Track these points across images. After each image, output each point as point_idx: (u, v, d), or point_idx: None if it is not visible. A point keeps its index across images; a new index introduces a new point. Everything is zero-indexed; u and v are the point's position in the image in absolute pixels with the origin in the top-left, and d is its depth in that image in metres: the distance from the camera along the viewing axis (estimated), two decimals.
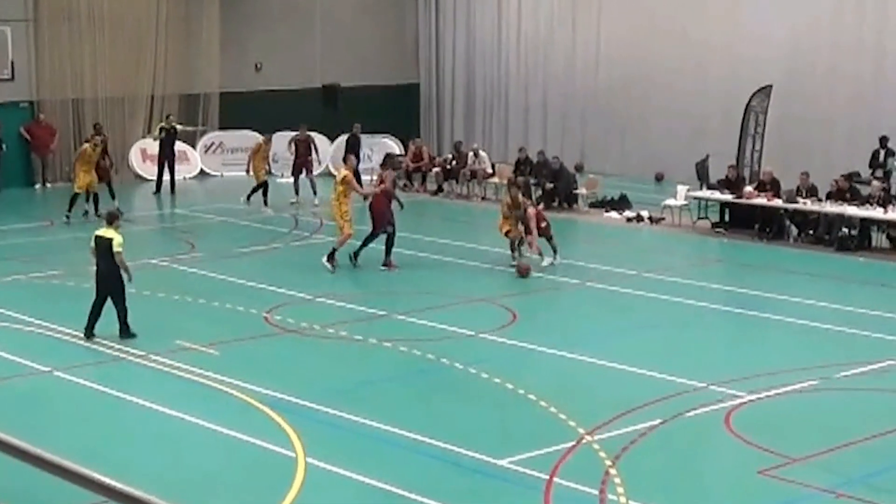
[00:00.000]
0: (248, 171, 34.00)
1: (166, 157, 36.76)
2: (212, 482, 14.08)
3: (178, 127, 37.21)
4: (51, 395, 17.51)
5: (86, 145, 31.73)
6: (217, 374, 17.91)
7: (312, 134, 35.48)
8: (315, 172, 35.39)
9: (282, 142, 37.01)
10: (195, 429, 15.73)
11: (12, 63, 35.06)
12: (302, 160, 34.58)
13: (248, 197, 33.54)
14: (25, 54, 36.98)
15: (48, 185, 37.51)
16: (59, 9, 37.84)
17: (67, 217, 30.83)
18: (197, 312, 22.06)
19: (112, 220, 20.15)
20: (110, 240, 19.71)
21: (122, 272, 19.82)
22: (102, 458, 13.00)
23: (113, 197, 32.21)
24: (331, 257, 25.35)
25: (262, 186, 33.28)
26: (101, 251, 19.86)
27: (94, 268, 20.11)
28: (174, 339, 19.87)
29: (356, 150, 34.28)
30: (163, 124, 36.97)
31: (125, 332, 19.92)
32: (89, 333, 19.91)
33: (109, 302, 19.83)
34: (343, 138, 37.92)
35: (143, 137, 39.53)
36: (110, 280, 19.84)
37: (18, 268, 25.60)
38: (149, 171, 39.12)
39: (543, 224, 26.08)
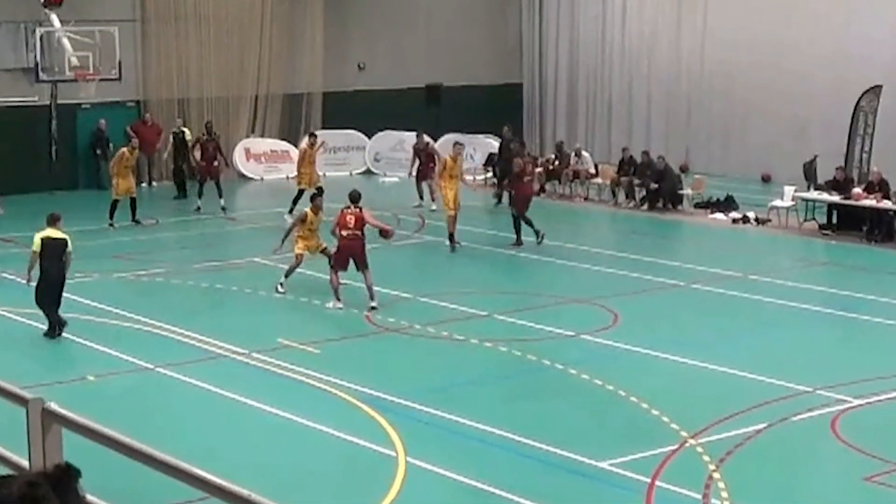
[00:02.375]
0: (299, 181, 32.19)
1: (176, 163, 36.39)
2: (312, 480, 14.11)
3: (187, 131, 36.54)
4: (153, 391, 17.68)
5: (124, 149, 31.47)
6: (318, 372, 17.96)
7: (431, 142, 34.92)
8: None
9: (385, 142, 37.08)
10: (296, 426, 15.78)
11: (119, 63, 35.46)
12: (424, 168, 33.93)
13: (291, 208, 31.61)
14: (132, 54, 37.41)
15: (154, 183, 37.95)
16: (165, 9, 38.28)
17: (111, 225, 30.65)
18: (299, 311, 22.14)
19: (54, 220, 20.20)
20: (65, 241, 19.82)
21: (67, 270, 19.96)
22: (202, 454, 13.05)
23: (220, 195, 32.45)
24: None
25: (300, 194, 31.50)
26: (55, 252, 19.86)
27: (39, 271, 20.08)
28: (276, 338, 19.96)
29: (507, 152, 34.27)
30: (174, 130, 36.58)
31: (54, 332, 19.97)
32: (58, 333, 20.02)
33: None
34: (446, 138, 37.91)
35: (247, 137, 39.85)
36: (60, 280, 19.95)
37: (123, 266, 25.90)
38: (253, 170, 39.46)
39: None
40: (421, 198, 33.50)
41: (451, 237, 27.71)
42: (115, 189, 30.83)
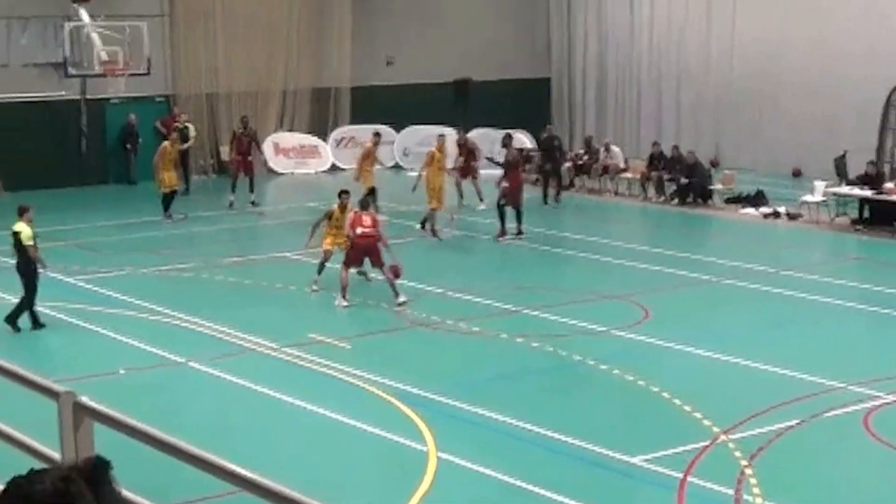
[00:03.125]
0: (357, 179, 31.13)
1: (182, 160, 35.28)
2: (343, 474, 14.09)
3: (190, 127, 36.10)
4: (184, 385, 17.70)
5: (165, 143, 31.54)
6: (349, 367, 17.94)
7: (472, 136, 34.58)
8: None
9: (414, 136, 37.01)
10: (327, 421, 15.76)
11: (149, 58, 35.56)
12: (465, 166, 33.48)
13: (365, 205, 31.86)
14: (161, 49, 37.51)
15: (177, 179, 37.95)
16: (194, 4, 38.36)
17: (169, 217, 30.76)
18: (329, 306, 22.12)
19: (22, 212, 20.29)
20: (19, 233, 19.93)
21: (38, 263, 19.98)
22: (233, 448, 13.04)
23: (252, 190, 32.42)
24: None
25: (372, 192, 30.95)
26: (15, 245, 20.07)
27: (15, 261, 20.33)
28: (307, 332, 19.96)
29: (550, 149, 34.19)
30: (177, 124, 35.81)
31: (13, 321, 19.98)
32: (37, 326, 20.11)
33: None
34: (474, 133, 37.89)
35: (276, 132, 39.89)
36: (23, 272, 20.00)
37: (154, 260, 25.95)
38: (282, 164, 39.51)
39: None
40: (461, 196, 32.56)
41: (428, 227, 28.26)
42: (161, 183, 30.83)
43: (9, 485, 3.71)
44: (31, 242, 19.78)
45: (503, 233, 27.95)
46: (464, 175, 32.65)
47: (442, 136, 30.51)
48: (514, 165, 28.83)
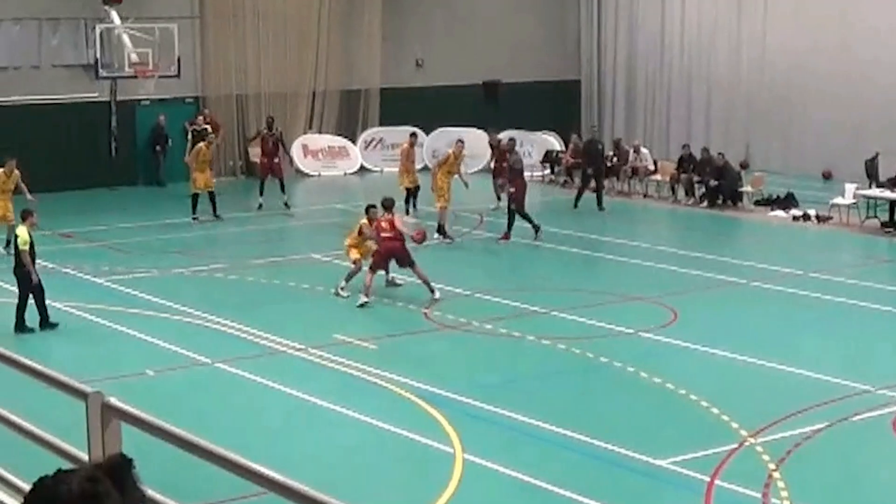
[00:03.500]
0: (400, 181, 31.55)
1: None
2: (369, 476, 14.10)
3: (207, 128, 35.18)
4: (211, 386, 17.74)
5: (201, 144, 31.54)
6: (375, 368, 17.96)
7: (502, 137, 34.38)
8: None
9: (443, 138, 36.97)
10: (353, 422, 15.78)
11: (178, 59, 35.67)
12: (498, 166, 33.25)
13: (412, 206, 31.58)
14: (191, 51, 37.63)
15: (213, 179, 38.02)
16: (224, 6, 38.46)
17: (195, 219, 30.78)
18: (355, 307, 22.13)
19: (25, 216, 20.38)
20: (17, 237, 20.05)
21: (28, 270, 19.99)
22: (260, 448, 13.09)
23: (283, 192, 32.40)
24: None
25: (414, 192, 31.52)
26: (15, 249, 20.19)
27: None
28: (333, 333, 19.98)
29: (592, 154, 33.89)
30: (194, 127, 35.39)
31: (20, 327, 19.97)
32: (19, 326, 20.07)
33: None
34: (503, 134, 37.85)
35: (305, 133, 39.96)
36: (18, 275, 20.06)
37: (182, 261, 26.03)
38: (311, 166, 39.57)
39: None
40: (499, 199, 31.98)
41: (440, 229, 28.21)
42: (193, 183, 30.94)
43: (35, 485, 3.73)
44: (25, 248, 19.82)
45: (507, 236, 28.01)
46: (496, 175, 32.48)
47: (461, 141, 30.44)
48: (519, 171, 28.69)
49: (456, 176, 29.45)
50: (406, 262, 22.49)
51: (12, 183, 25.30)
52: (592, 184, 33.27)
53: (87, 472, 3.73)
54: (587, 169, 33.74)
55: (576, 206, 32.78)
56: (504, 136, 35.40)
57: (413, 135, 32.90)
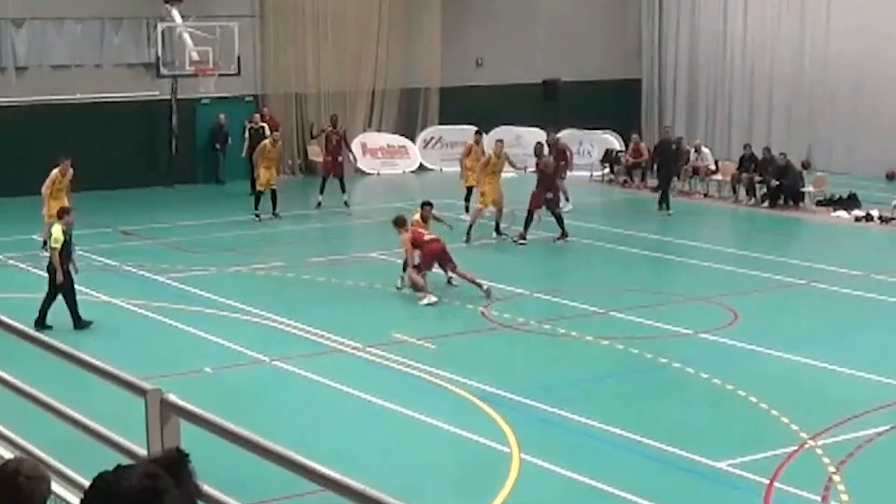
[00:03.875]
0: (462, 178, 31.45)
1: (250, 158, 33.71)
2: (426, 475, 14.10)
3: (265, 126, 34.83)
4: (269, 384, 17.78)
5: (265, 141, 31.56)
6: (433, 367, 17.94)
7: (561, 137, 34.13)
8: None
9: (502, 137, 36.84)
10: (411, 421, 15.77)
11: (238, 58, 35.85)
12: (557, 165, 32.90)
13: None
14: (251, 50, 37.82)
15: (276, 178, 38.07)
16: (284, 5, 38.62)
17: (257, 216, 30.79)
18: (414, 306, 22.14)
19: (61, 214, 20.42)
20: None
21: (73, 266, 20.05)
22: (317, 447, 13.09)
23: (343, 190, 32.44)
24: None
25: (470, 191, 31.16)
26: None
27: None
28: (391, 332, 19.99)
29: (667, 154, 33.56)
30: (252, 125, 35.15)
31: (41, 323, 19.71)
32: (40, 323, 19.89)
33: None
34: (562, 133, 37.75)
35: (364, 131, 40.01)
36: (50, 270, 20.02)
37: (240, 259, 26.13)
38: (369, 164, 39.64)
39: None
40: (567, 199, 31.48)
41: (497, 228, 28.51)
42: (257, 179, 31.05)
43: (95, 480, 3.74)
44: (56, 246, 19.83)
45: (563, 234, 27.90)
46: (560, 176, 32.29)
47: (500, 141, 30.31)
48: (547, 174, 28.33)
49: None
50: (450, 262, 22.70)
51: (67, 182, 25.48)
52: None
53: (148, 468, 3.74)
54: (660, 170, 33.35)
55: (660, 208, 32.24)
56: (563, 134, 35.36)
57: (478, 132, 32.81)
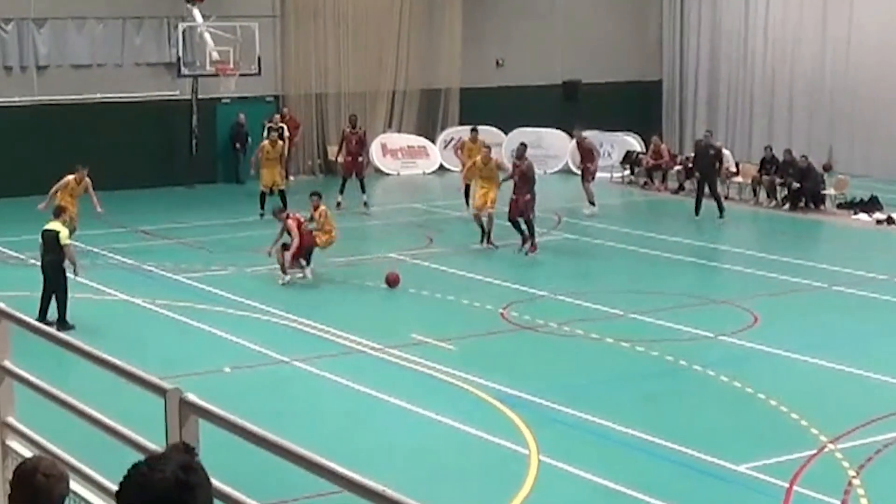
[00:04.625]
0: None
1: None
2: (445, 476, 14.08)
3: (284, 128, 35.19)
4: (288, 384, 17.80)
5: (264, 142, 31.58)
6: (453, 369, 17.93)
7: (587, 135, 33.83)
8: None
9: (522, 138, 36.91)
10: (429, 422, 15.76)
11: (259, 58, 35.88)
12: (584, 167, 32.71)
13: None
14: (272, 50, 37.85)
15: (291, 177, 37.91)
16: (305, 5, 38.64)
17: (261, 216, 30.57)
18: (433, 307, 22.14)
19: (58, 213, 20.38)
20: (56, 233, 19.90)
21: (69, 264, 19.91)
22: (336, 447, 13.07)
23: (363, 191, 32.40)
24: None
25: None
26: (47, 244, 20.01)
27: (41, 260, 20.30)
28: (410, 333, 19.98)
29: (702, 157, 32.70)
30: (270, 125, 34.43)
31: (63, 324, 19.58)
32: (41, 319, 19.22)
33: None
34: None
35: (384, 132, 40.02)
36: (51, 272, 19.93)
37: (259, 259, 26.09)
38: (389, 165, 39.65)
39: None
40: (593, 204, 31.49)
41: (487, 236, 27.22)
42: (260, 181, 31.20)
43: (130, 471, 3.73)
44: (67, 242, 19.97)
45: (526, 240, 26.63)
46: (585, 178, 32.08)
47: (486, 147, 29.70)
48: (527, 178, 26.64)
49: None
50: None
51: (82, 190, 25.44)
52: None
53: (183, 460, 3.73)
54: (696, 173, 32.64)
55: (696, 213, 31.44)
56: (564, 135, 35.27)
57: (473, 130, 33.24)
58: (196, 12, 35.36)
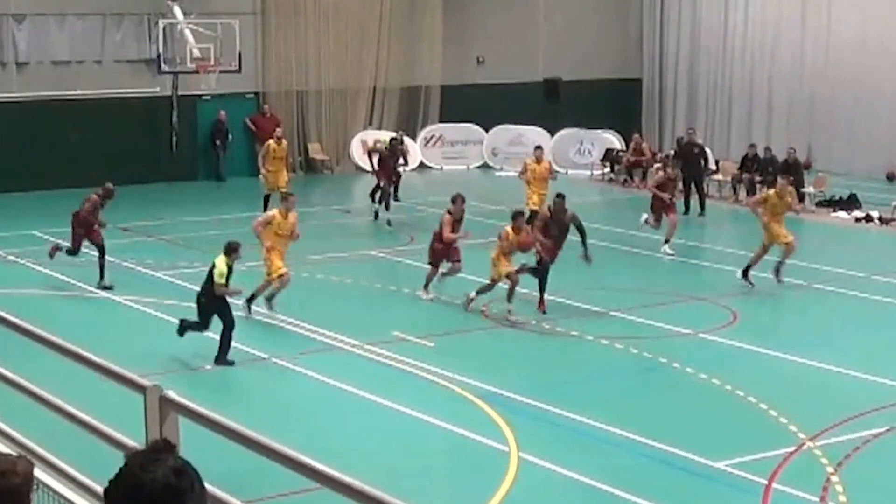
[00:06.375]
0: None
1: (388, 171, 31.86)
2: (424, 472, 14.10)
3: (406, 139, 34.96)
4: (268, 381, 17.79)
5: (270, 142, 30.81)
6: (432, 365, 17.94)
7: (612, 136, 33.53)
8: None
9: (503, 136, 36.91)
10: (409, 419, 15.77)
11: (240, 55, 35.85)
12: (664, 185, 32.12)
13: None
14: (252, 47, 37.82)
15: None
16: (285, 2, 38.62)
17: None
18: (414, 304, 22.15)
19: (230, 251, 18.98)
20: (213, 267, 18.81)
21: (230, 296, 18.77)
22: (315, 444, 13.08)
23: (396, 200, 31.87)
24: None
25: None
26: (209, 274, 18.90)
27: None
28: (390, 330, 19.99)
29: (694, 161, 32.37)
30: (395, 136, 33.72)
31: (223, 360, 18.32)
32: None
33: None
34: (563, 133, 37.83)
35: (364, 129, 39.99)
36: (206, 302, 18.78)
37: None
38: (368, 162, 39.52)
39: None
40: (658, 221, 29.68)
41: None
42: (265, 184, 30.39)
43: (121, 469, 3.72)
44: (221, 281, 18.60)
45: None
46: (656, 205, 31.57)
47: (539, 147, 29.40)
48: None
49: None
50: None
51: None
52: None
53: (176, 463, 3.71)
54: (684, 172, 32.27)
55: (686, 211, 31.44)
56: (563, 134, 35.24)
57: (538, 148, 30.02)
58: (177, 9, 35.30)
